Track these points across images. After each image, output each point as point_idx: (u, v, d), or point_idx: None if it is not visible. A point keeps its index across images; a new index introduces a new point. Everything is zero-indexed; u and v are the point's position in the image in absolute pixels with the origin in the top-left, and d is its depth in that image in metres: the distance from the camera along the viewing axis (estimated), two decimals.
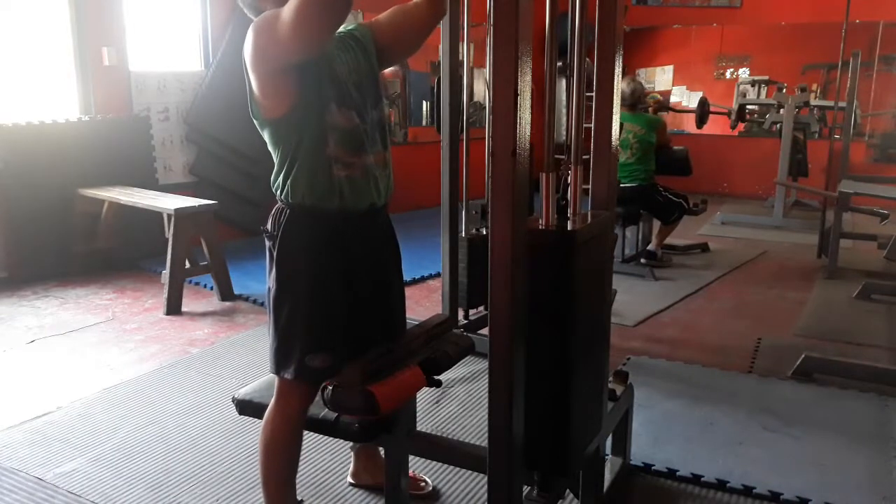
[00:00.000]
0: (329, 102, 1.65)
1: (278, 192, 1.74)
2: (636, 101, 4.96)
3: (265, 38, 1.55)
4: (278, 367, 1.76)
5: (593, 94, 1.93)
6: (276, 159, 1.73)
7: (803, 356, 3.16)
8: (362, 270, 1.78)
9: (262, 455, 1.86)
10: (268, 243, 1.78)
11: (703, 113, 6.36)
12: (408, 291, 4.41)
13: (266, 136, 1.73)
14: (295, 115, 1.65)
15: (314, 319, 1.73)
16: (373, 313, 1.83)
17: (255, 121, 1.72)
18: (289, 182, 1.70)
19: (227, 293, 4.23)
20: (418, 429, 2.14)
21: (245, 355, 3.38)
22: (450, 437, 2.53)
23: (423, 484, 2.22)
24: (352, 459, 2.30)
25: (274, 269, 1.76)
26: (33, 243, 4.61)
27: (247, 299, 4.18)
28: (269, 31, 1.54)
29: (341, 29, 1.77)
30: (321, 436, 2.33)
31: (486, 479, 1.51)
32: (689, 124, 8.23)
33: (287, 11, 1.48)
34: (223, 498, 2.21)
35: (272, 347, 1.78)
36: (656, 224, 5.22)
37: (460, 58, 3.20)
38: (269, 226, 1.77)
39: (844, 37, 5.54)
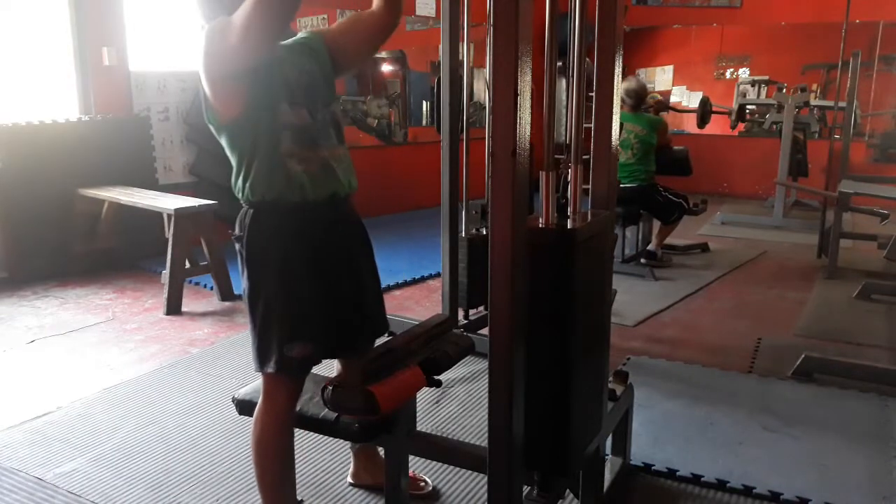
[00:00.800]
0: (280, 102, 1.71)
1: (240, 193, 1.79)
2: (640, 100, 4.96)
3: (217, 43, 1.62)
4: (261, 362, 1.79)
5: (593, 94, 1.93)
6: (234, 162, 1.78)
7: (803, 356, 3.16)
8: (330, 258, 1.81)
9: (254, 455, 1.87)
10: (237, 246, 1.82)
11: (704, 113, 6.37)
12: (408, 291, 4.48)
13: (223, 140, 1.78)
14: (249, 116, 1.70)
15: (288, 310, 1.76)
16: (346, 300, 1.85)
17: (210, 126, 1.78)
18: (249, 181, 1.75)
19: (227, 293, 4.23)
20: (418, 429, 2.13)
21: (245, 355, 3.36)
22: (450, 437, 2.53)
23: (422, 484, 2.22)
24: (351, 460, 2.30)
25: (245, 269, 1.80)
26: (33, 243, 4.61)
27: None
28: (220, 37, 1.61)
29: (296, 37, 1.85)
30: (321, 436, 2.34)
31: (486, 479, 1.51)
32: (689, 124, 8.24)
33: (236, 18, 1.56)
34: (223, 498, 2.21)
35: (253, 346, 1.81)
36: (656, 224, 5.22)
37: (460, 58, 3.20)
38: (236, 230, 1.82)
39: (844, 37, 5.54)
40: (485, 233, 3.41)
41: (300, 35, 1.86)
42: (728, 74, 8.92)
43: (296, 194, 1.74)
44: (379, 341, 1.96)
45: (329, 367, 2.11)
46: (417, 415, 2.21)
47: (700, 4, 8.58)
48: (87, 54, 4.90)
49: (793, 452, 2.47)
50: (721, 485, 2.26)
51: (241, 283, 1.85)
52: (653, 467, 2.36)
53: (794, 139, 6.85)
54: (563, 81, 2.07)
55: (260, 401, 1.86)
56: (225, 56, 1.62)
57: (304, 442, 2.45)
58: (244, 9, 1.55)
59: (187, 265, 4.18)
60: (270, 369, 1.77)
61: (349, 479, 2.28)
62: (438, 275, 4.01)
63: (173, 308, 4.02)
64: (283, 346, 1.75)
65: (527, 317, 1.47)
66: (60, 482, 2.29)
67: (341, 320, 1.83)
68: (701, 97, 6.67)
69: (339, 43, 1.86)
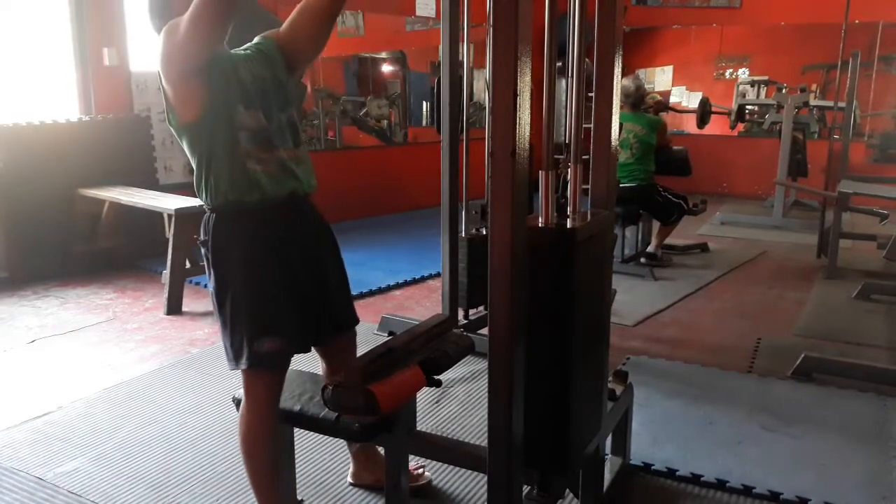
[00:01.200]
0: (236, 105, 1.75)
1: (202, 195, 1.82)
2: (639, 99, 4.96)
3: (169, 43, 1.68)
4: (235, 360, 1.81)
5: (593, 94, 1.94)
6: (194, 164, 1.81)
7: (803, 356, 3.17)
8: (292, 255, 1.84)
9: (242, 455, 1.90)
10: (202, 251, 1.86)
11: (704, 113, 6.37)
12: (408, 291, 4.48)
13: (184, 142, 1.81)
14: (207, 118, 1.74)
15: (254, 306, 1.79)
16: (311, 294, 1.88)
17: (171, 128, 1.81)
18: (210, 183, 1.78)
19: None
20: (418, 428, 2.14)
21: None
22: (450, 436, 2.53)
23: (420, 471, 2.23)
24: (351, 460, 2.30)
25: (212, 271, 1.84)
26: (34, 243, 4.61)
27: None
28: (172, 37, 1.67)
29: (252, 42, 1.88)
30: (321, 436, 2.34)
31: (486, 478, 1.51)
32: (688, 124, 8.24)
33: (184, 17, 1.63)
34: (223, 497, 2.22)
35: (225, 345, 1.83)
36: (656, 224, 5.23)
37: (460, 58, 3.20)
38: (201, 234, 1.86)
39: (844, 37, 5.55)
40: (485, 233, 3.41)
41: (255, 40, 1.89)
42: (728, 75, 8.93)
43: (255, 194, 1.77)
44: (379, 340, 1.96)
45: (315, 366, 2.11)
46: (417, 414, 2.21)
47: (700, 4, 8.58)
48: (88, 54, 4.90)
49: (792, 452, 2.48)
50: (720, 484, 2.27)
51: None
52: (652, 467, 2.37)
53: (793, 139, 6.85)
54: (563, 81, 2.07)
55: (242, 399, 1.88)
56: (176, 54, 1.68)
57: (304, 442, 2.45)
58: (191, 8, 1.61)
59: (188, 265, 4.18)
60: (243, 366, 1.80)
61: (349, 480, 2.28)
62: (438, 275, 4.01)
63: (174, 308, 4.02)
64: (252, 342, 1.77)
65: (527, 317, 1.47)
66: (61, 482, 2.29)
67: (307, 314, 1.86)
68: (700, 97, 6.67)
69: (290, 39, 1.87)
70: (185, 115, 1.75)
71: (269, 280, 1.80)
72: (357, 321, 2.09)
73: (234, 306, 1.80)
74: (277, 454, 1.92)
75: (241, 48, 1.85)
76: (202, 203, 1.84)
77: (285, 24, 1.89)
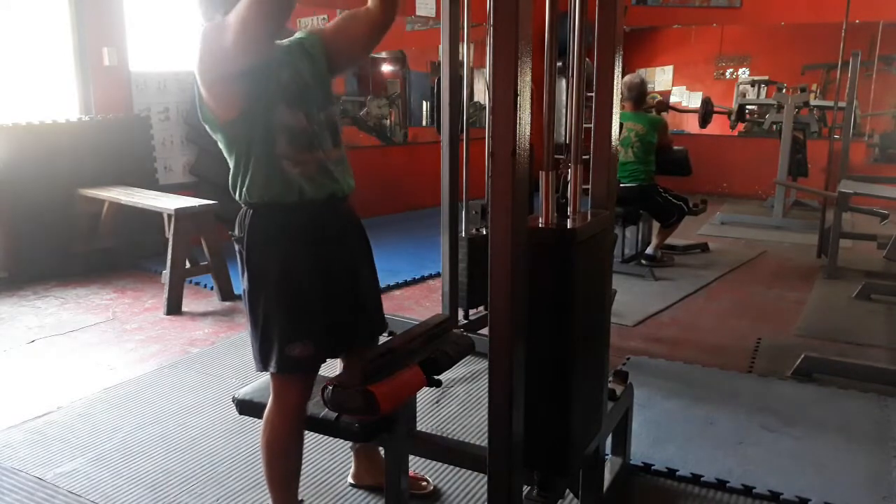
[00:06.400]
0: (277, 104, 1.72)
1: (237, 193, 1.79)
2: (642, 95, 4.96)
3: (213, 45, 1.63)
4: (263, 363, 1.79)
5: (593, 94, 1.93)
6: (231, 162, 1.78)
7: (803, 356, 3.17)
8: (329, 258, 1.81)
9: (264, 455, 1.87)
10: (237, 247, 1.83)
11: (706, 113, 6.37)
12: (408, 291, 4.48)
13: (220, 139, 1.78)
14: (246, 117, 1.70)
15: (288, 310, 1.76)
16: (346, 299, 1.85)
17: (206, 125, 1.78)
18: (247, 182, 1.75)
19: (227, 293, 4.23)
20: (418, 429, 2.14)
21: (245, 355, 3.37)
22: (450, 436, 2.53)
23: (423, 483, 2.22)
24: (352, 460, 2.30)
25: (245, 270, 1.81)
26: (34, 243, 4.61)
27: None
28: (216, 39, 1.62)
29: (293, 37, 1.85)
30: (321, 436, 2.34)
31: (486, 478, 1.51)
32: (688, 124, 8.25)
33: (231, 19, 1.58)
34: (223, 498, 2.21)
35: (254, 347, 1.81)
36: (656, 224, 5.22)
37: (460, 58, 3.20)
38: (236, 230, 1.82)
39: (844, 37, 5.54)
40: (485, 233, 3.41)
41: (297, 35, 1.86)
42: (728, 74, 8.93)
43: (294, 195, 1.74)
44: (379, 340, 1.96)
45: (331, 368, 2.11)
46: (417, 415, 2.21)
47: (700, 4, 8.58)
48: (88, 54, 4.90)
49: (792, 452, 2.48)
50: (721, 484, 2.27)
51: (241, 283, 1.85)
52: (653, 467, 2.37)
53: (793, 139, 6.86)
54: (563, 81, 2.07)
55: (270, 401, 1.85)
56: (221, 57, 1.63)
57: (305, 442, 2.44)
58: (238, 9, 1.56)
59: (187, 265, 4.18)
60: (272, 369, 1.77)
61: (350, 480, 2.28)
62: (438, 275, 4.01)
63: (173, 308, 4.02)
64: (283, 346, 1.74)
65: (527, 317, 1.47)
66: (61, 482, 2.29)
67: (341, 319, 1.83)
68: (702, 97, 6.67)
69: (335, 42, 1.86)
70: (221, 115, 1.71)
71: (305, 282, 1.77)
72: (387, 327, 2.06)
73: (268, 309, 1.76)
74: (300, 458, 1.91)
75: (282, 41, 1.81)
76: (238, 199, 1.81)
77: (332, 25, 1.88)
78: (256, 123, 1.71)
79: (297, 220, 1.76)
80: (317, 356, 1.79)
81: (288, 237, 1.76)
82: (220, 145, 1.79)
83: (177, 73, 5.39)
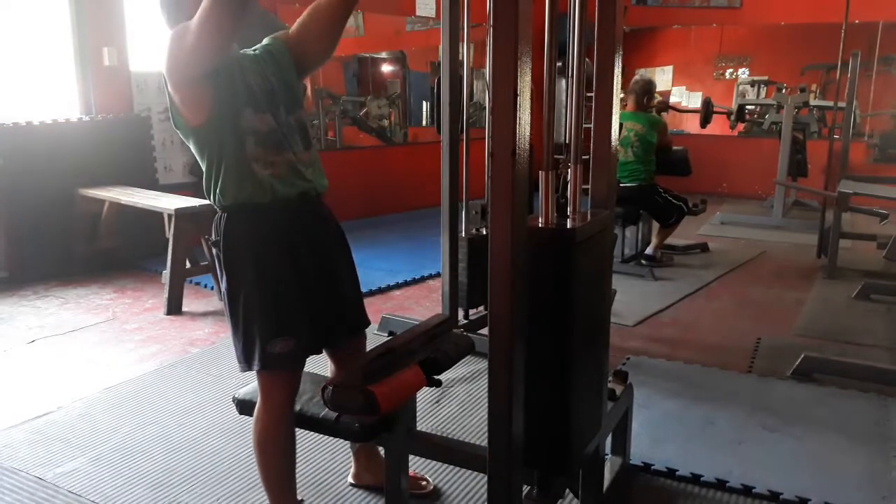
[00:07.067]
0: (243, 109, 1.74)
1: (212, 197, 1.81)
2: (648, 93, 4.96)
3: (176, 48, 1.65)
4: (247, 362, 1.81)
5: (593, 94, 1.94)
6: (203, 167, 1.80)
7: (803, 356, 3.17)
8: (305, 255, 1.83)
9: (256, 455, 1.89)
10: (214, 251, 1.86)
11: (707, 113, 6.37)
12: (408, 291, 4.48)
13: (191, 144, 1.80)
14: (214, 122, 1.73)
15: (267, 307, 1.78)
16: (324, 295, 1.87)
17: (178, 131, 1.80)
18: (219, 185, 1.78)
19: None
20: (418, 428, 2.14)
21: None
22: (450, 436, 2.53)
23: (423, 483, 2.23)
24: (352, 460, 2.30)
25: (223, 272, 1.83)
26: (34, 243, 4.61)
27: None
28: (179, 42, 1.64)
29: (261, 44, 1.87)
30: (321, 436, 2.34)
31: (486, 478, 1.51)
32: (688, 124, 8.25)
33: (193, 22, 1.60)
34: (223, 498, 2.22)
35: (236, 347, 1.82)
36: (656, 224, 5.22)
37: (460, 58, 3.20)
38: (212, 235, 1.85)
39: (844, 37, 5.54)
40: (485, 233, 3.41)
41: (264, 41, 1.88)
42: (728, 75, 8.93)
43: (266, 195, 1.77)
44: (379, 340, 1.96)
45: (331, 369, 2.11)
46: (417, 415, 2.21)
47: (700, 4, 8.59)
48: (88, 54, 4.90)
49: (792, 452, 2.48)
50: (720, 484, 2.27)
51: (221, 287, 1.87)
52: (652, 467, 2.37)
53: (793, 139, 6.85)
54: (563, 81, 2.07)
55: (258, 401, 1.87)
56: (183, 60, 1.65)
57: (305, 442, 2.45)
58: (198, 13, 1.58)
59: (187, 265, 4.18)
60: (256, 367, 1.79)
61: (350, 480, 2.28)
62: (438, 275, 4.01)
63: (174, 308, 4.02)
64: (265, 343, 1.77)
65: (527, 317, 1.47)
66: (61, 482, 2.29)
67: (319, 314, 1.85)
68: (703, 97, 6.67)
69: (300, 44, 1.86)
70: (191, 118, 1.74)
71: (282, 280, 1.79)
72: (368, 323, 2.07)
73: (247, 306, 1.79)
74: (293, 456, 1.91)
75: (249, 49, 1.84)
76: (213, 203, 1.84)
77: (295, 26, 1.88)
78: (224, 128, 1.73)
79: (271, 219, 1.79)
80: (299, 351, 1.81)
81: (262, 237, 1.79)
82: (193, 150, 1.81)
83: None
